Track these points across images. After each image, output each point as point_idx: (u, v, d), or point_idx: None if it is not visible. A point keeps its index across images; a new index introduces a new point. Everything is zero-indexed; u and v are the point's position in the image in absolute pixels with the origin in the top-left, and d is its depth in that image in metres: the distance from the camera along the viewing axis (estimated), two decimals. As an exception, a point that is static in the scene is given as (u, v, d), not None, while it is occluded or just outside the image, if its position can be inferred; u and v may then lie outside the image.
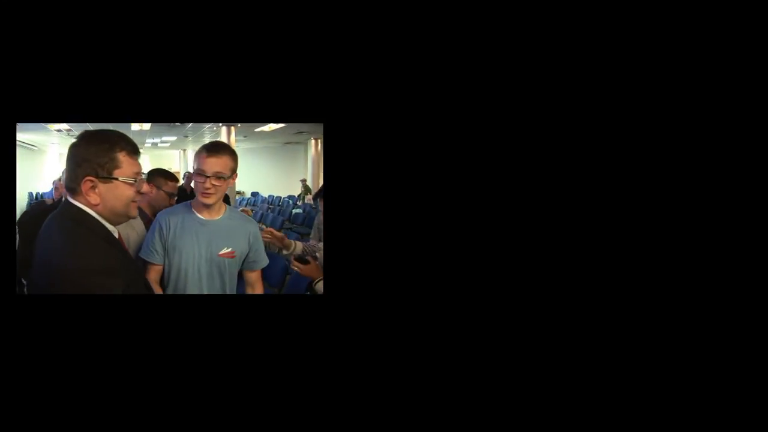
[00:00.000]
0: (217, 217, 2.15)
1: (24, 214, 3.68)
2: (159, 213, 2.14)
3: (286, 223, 11.09)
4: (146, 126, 12.04)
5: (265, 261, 2.30)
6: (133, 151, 1.53)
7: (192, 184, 2.79)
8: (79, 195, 1.48)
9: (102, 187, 1.47)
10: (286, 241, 2.62)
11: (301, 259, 2.95)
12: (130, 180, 1.51)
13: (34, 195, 14.54)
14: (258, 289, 2.14)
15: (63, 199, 1.56)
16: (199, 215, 2.13)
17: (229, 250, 2.12)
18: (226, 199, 2.39)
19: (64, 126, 11.68)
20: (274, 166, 19.21)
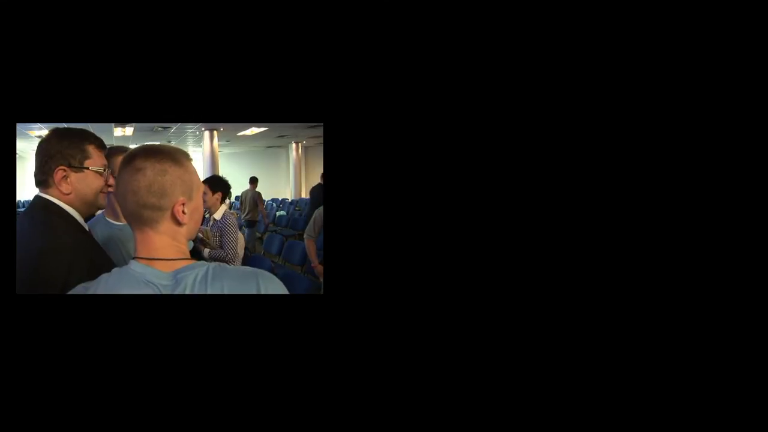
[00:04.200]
0: None
1: None
2: None
3: (270, 225, 11.13)
4: (129, 131, 11.98)
5: None
6: (101, 145, 1.63)
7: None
8: (50, 188, 1.55)
9: (74, 176, 1.55)
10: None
11: (203, 241, 3.52)
12: (100, 170, 1.59)
13: (17, 202, 14.37)
14: None
15: None
16: (116, 222, 2.12)
17: None
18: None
19: (45, 133, 11.57)
20: (257, 170, 19.14)
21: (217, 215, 3.99)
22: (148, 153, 1.21)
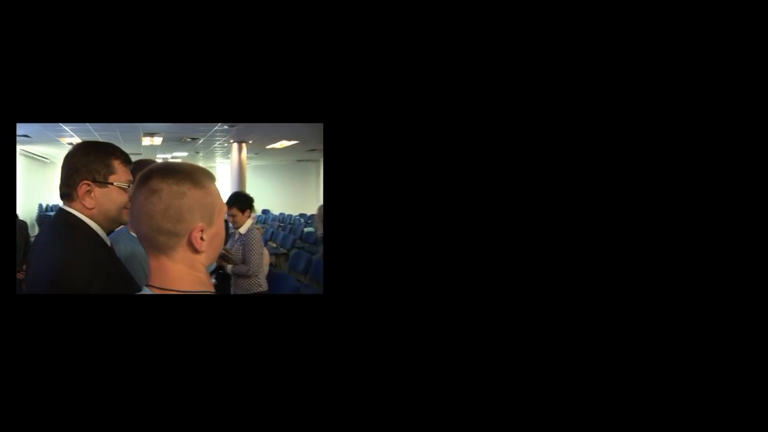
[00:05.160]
0: None
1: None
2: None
3: (298, 241, 10.88)
4: (157, 141, 12.12)
5: None
6: (127, 160, 1.61)
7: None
8: (74, 201, 1.55)
9: (98, 191, 1.54)
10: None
11: (225, 257, 3.62)
12: (124, 185, 1.57)
13: (44, 206, 14.77)
14: None
15: None
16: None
17: None
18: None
19: (76, 140, 11.79)
20: (285, 184, 19.22)
21: (242, 229, 3.93)
22: (166, 173, 1.10)
